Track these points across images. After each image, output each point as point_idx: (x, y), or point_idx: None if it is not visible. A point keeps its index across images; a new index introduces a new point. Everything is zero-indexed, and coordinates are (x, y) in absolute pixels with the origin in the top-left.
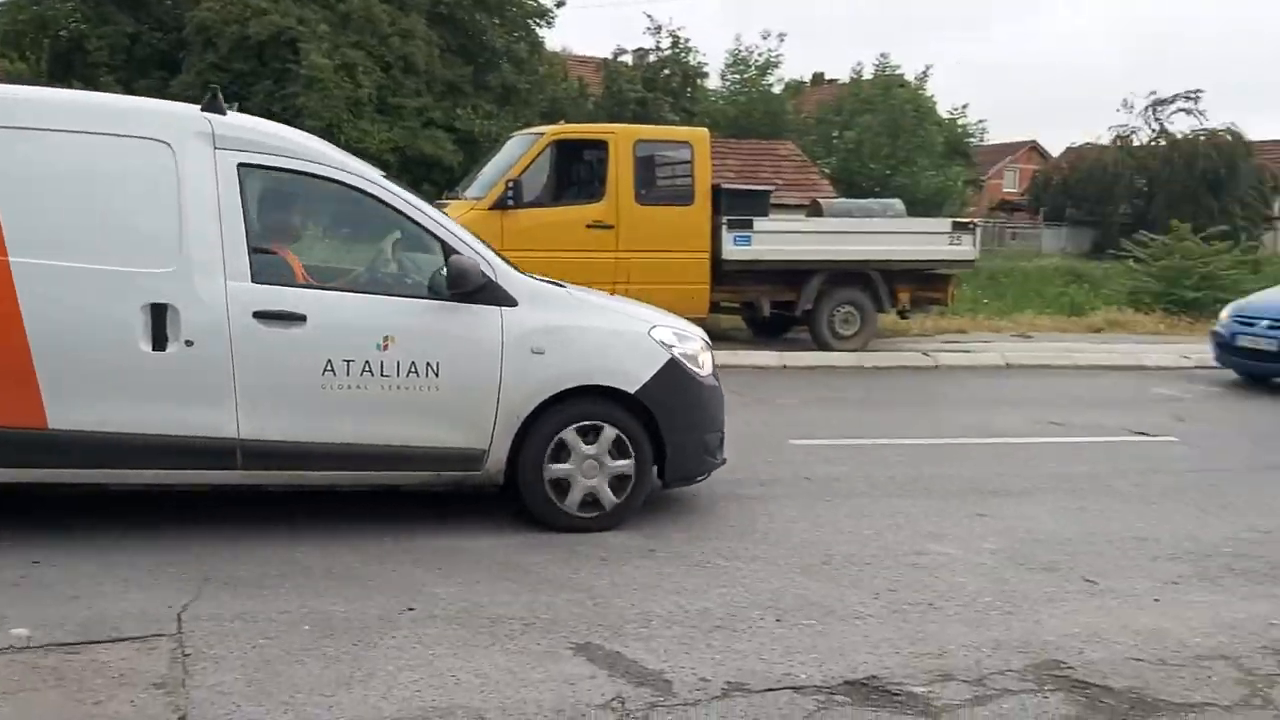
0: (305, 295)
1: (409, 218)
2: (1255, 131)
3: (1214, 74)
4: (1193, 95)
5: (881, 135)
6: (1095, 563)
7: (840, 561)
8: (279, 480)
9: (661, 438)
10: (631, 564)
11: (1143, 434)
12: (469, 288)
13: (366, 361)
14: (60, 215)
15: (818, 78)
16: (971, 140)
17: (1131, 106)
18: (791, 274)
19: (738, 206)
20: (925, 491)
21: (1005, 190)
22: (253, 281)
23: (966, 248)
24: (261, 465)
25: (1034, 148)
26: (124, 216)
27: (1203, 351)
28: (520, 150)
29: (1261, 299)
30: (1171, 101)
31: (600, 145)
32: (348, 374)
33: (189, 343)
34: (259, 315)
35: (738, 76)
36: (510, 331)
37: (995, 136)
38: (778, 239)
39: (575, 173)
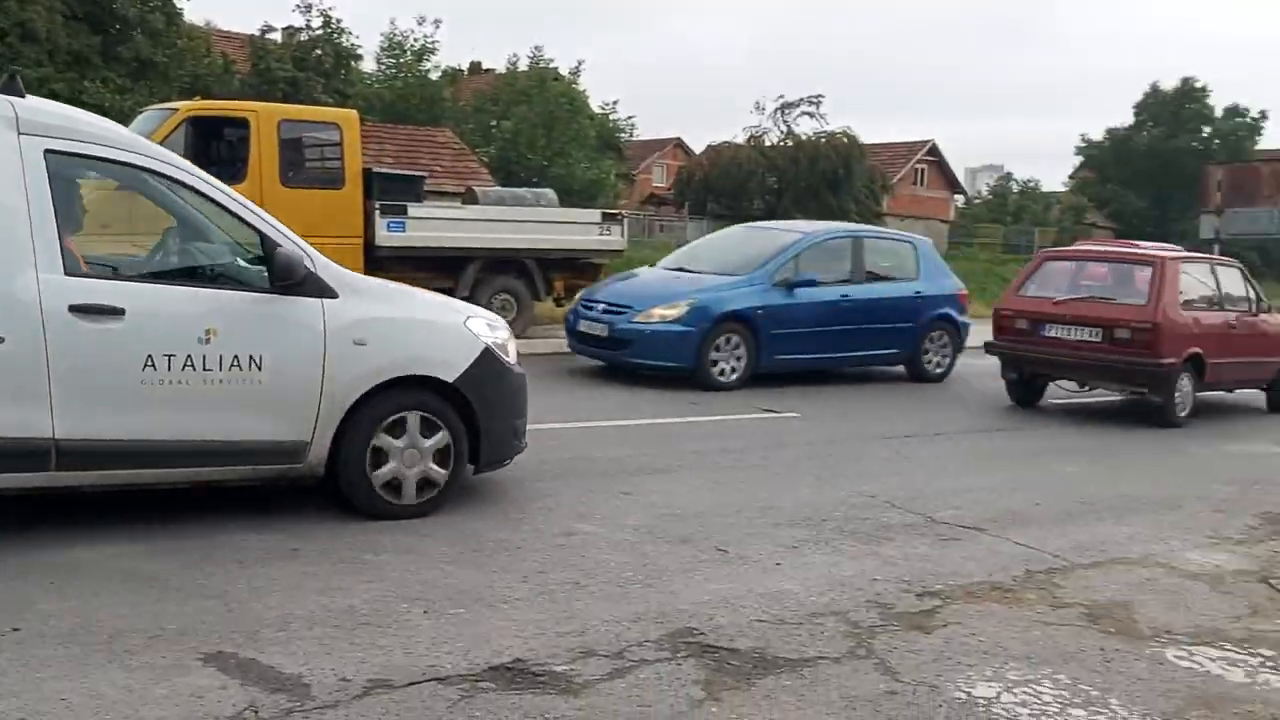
0: (123, 288)
1: (227, 209)
2: (866, 135)
3: (832, 82)
4: (815, 100)
5: (538, 127)
6: (727, 532)
7: (491, 548)
8: (94, 481)
9: (477, 425)
10: (273, 566)
11: (769, 411)
12: (293, 280)
13: (189, 356)
14: None
15: (475, 67)
16: (622, 135)
17: (763, 109)
18: (448, 261)
19: (391, 191)
20: (576, 473)
21: (654, 185)
22: (65, 274)
23: (615, 238)
24: (78, 466)
25: (679, 145)
26: None
27: None
28: (150, 127)
29: (606, 284)
30: (797, 105)
31: (241, 124)
32: (169, 369)
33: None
34: (75, 309)
35: (393, 61)
36: (332, 323)
37: (644, 133)
38: (433, 225)
39: (214, 152)
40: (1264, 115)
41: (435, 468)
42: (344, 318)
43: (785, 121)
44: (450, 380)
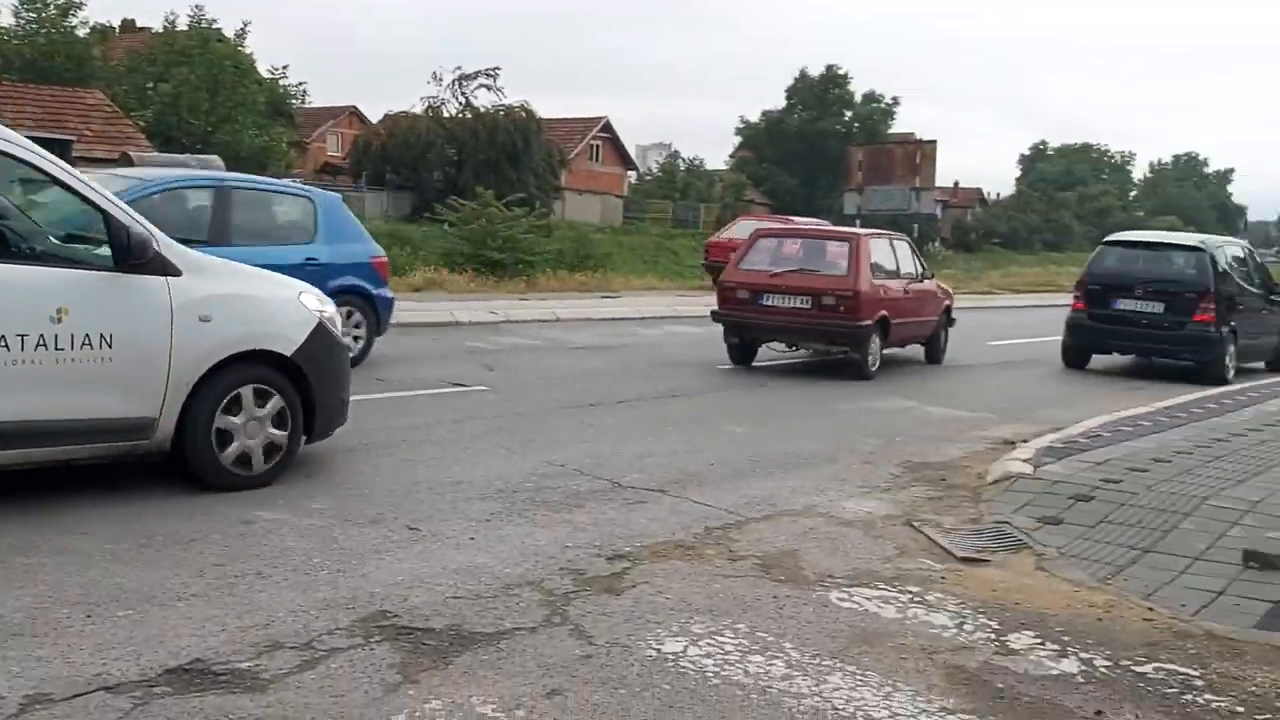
0: None
1: (72, 189)
2: (543, 111)
3: (510, 56)
4: (492, 73)
5: (201, 90)
6: (417, 510)
7: (162, 542)
8: None
9: (312, 397)
10: None
11: (459, 385)
12: (143, 259)
13: (41, 335)
14: None
15: (128, 24)
16: (294, 102)
17: (440, 79)
18: None
19: None
20: None
21: (329, 154)
22: None
23: None
24: None
25: (355, 113)
26: None
27: (510, 306)
28: None
29: None
30: (475, 77)
31: None
32: (22, 349)
33: None
34: None
35: (35, 15)
36: (178, 300)
37: (317, 100)
38: None
39: None
40: (896, 101)
41: (276, 432)
42: (188, 295)
43: (463, 93)
44: (289, 354)
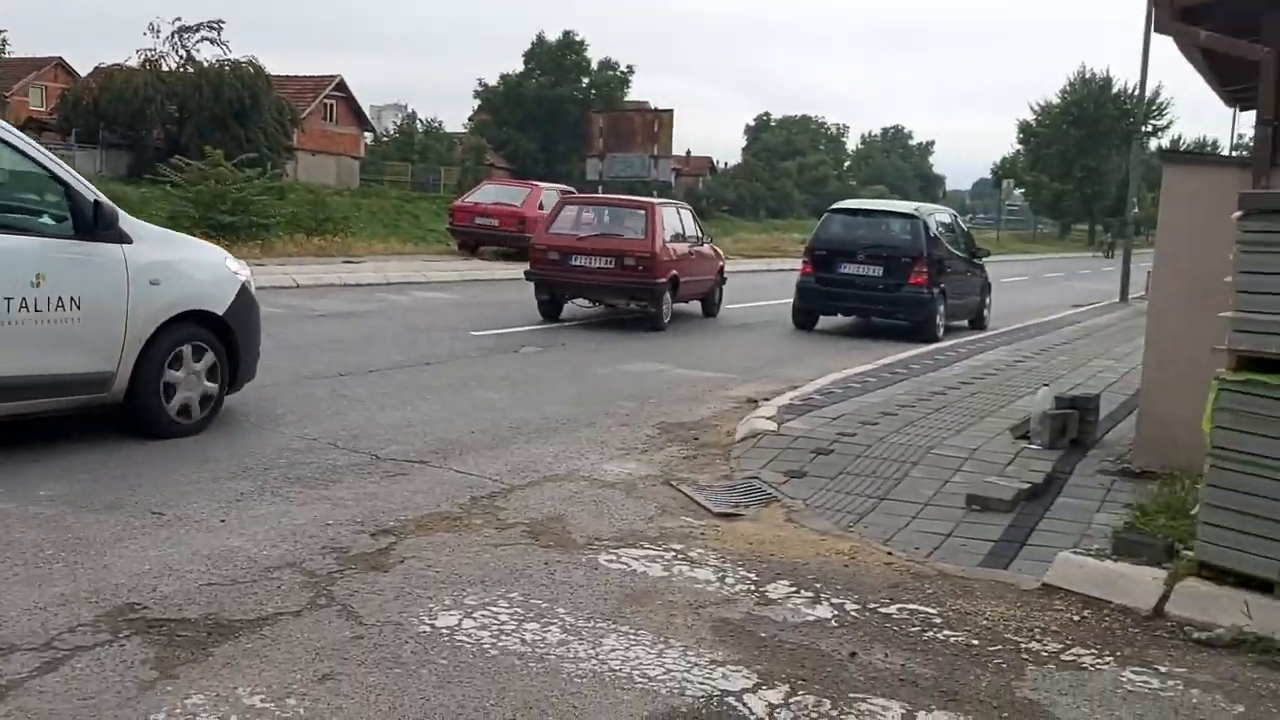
0: None
1: (38, 163)
2: (274, 67)
3: (235, 10)
4: (215, 25)
5: None
6: (160, 493)
7: None
8: None
9: (237, 352)
10: None
11: None
12: (111, 228)
13: (23, 298)
14: None
15: None
16: None
17: (158, 31)
18: None
19: None
20: None
21: (33, 108)
22: None
23: None
24: None
25: (61, 65)
26: None
27: None
28: None
29: None
30: (196, 30)
31: None
32: (7, 311)
33: None
34: None
35: None
36: (132, 266)
37: (18, 50)
38: None
39: None
40: (631, 69)
41: (209, 384)
42: (140, 261)
43: (184, 47)
44: (220, 313)
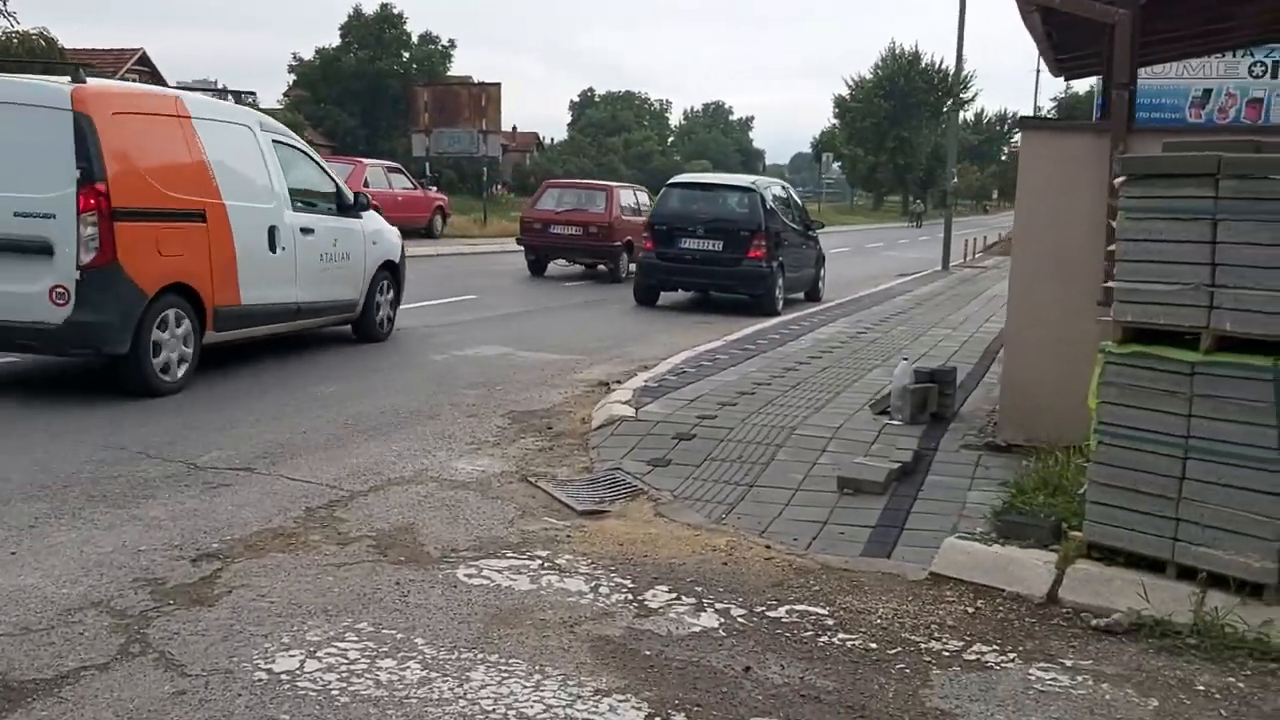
0: (307, 217)
1: (321, 167)
2: (70, 40)
3: None
4: None
5: None
6: None
7: None
8: (295, 329)
9: (401, 285)
10: None
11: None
12: (357, 208)
13: (330, 254)
14: (241, 173)
15: None
16: None
17: None
18: None
19: None
20: None
21: None
22: (293, 211)
23: None
24: (302, 317)
25: None
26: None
27: None
28: None
29: None
30: None
31: None
32: (326, 261)
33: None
34: (301, 230)
35: None
36: (365, 231)
37: None
38: None
39: None
40: (453, 44)
41: (391, 310)
42: (368, 228)
43: None
44: (395, 260)
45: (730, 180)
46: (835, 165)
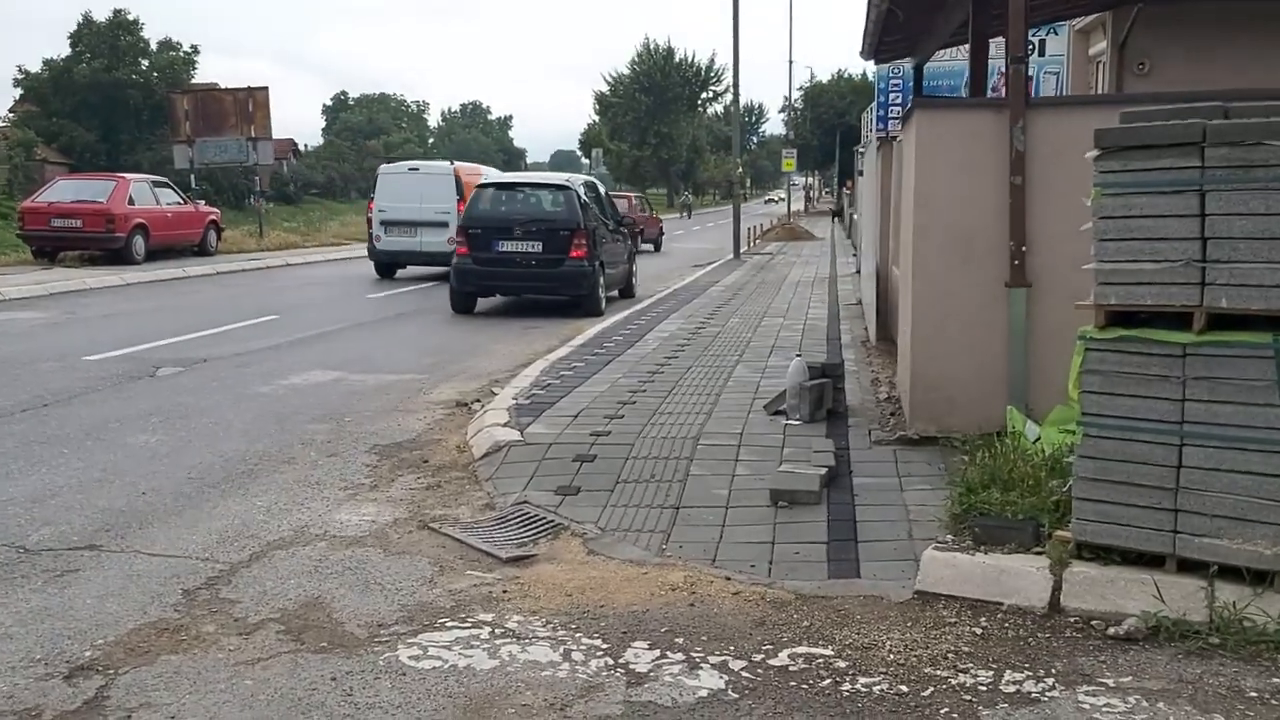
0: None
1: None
2: None
3: None
4: None
5: None
6: None
7: None
8: None
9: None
10: None
11: None
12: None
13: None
14: None
15: None
16: None
17: None
18: None
19: None
20: None
21: None
22: None
23: None
24: None
25: None
26: None
27: None
28: None
29: None
30: None
31: None
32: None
33: None
34: None
35: None
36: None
37: None
38: None
39: None
40: (196, 49)
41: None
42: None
43: None
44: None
45: (544, 179)
46: (597, 159)
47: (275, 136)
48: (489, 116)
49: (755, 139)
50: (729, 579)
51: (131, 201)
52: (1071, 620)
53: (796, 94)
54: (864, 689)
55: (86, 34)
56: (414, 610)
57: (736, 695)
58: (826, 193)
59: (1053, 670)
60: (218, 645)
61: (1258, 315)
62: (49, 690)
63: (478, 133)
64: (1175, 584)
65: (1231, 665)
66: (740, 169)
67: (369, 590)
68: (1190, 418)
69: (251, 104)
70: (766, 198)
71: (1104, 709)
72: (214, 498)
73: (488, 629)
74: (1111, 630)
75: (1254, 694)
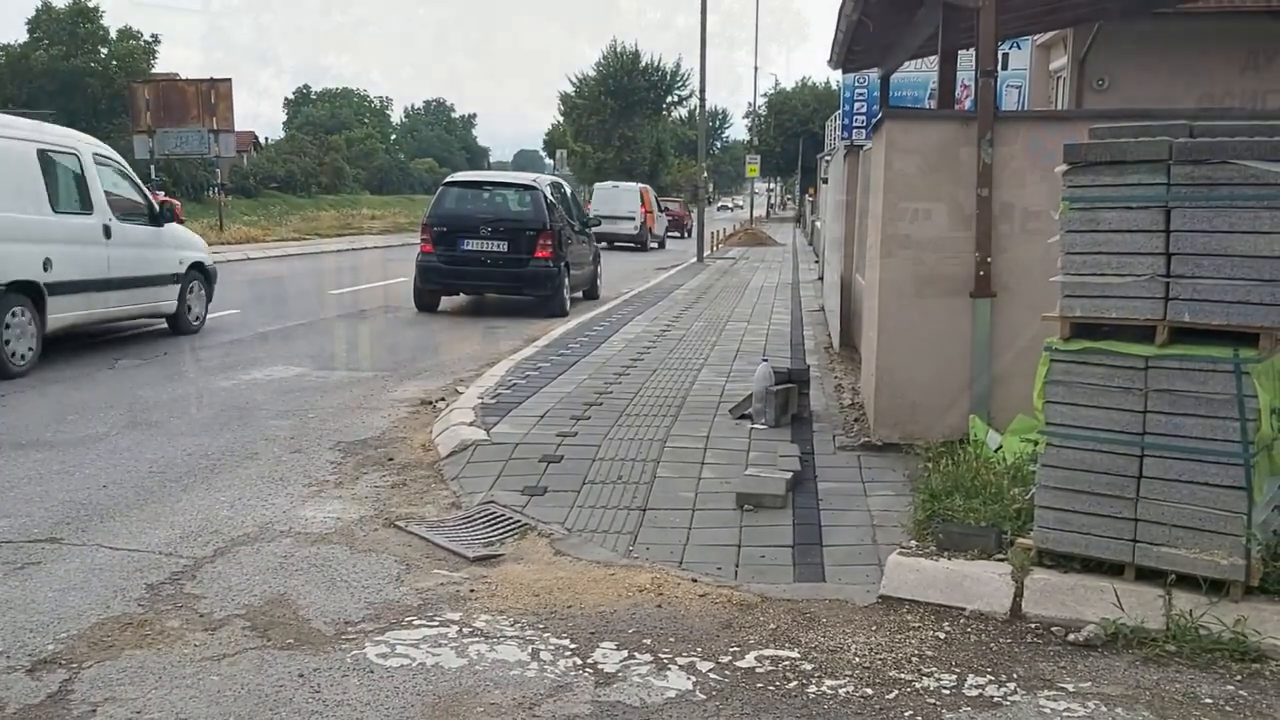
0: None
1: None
2: None
3: None
4: None
5: None
6: None
7: None
8: None
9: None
10: None
11: None
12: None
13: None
14: None
15: None
16: None
17: None
18: None
19: None
20: None
21: None
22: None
23: None
24: None
25: None
26: None
27: None
28: None
29: None
30: None
31: None
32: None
33: None
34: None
35: None
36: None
37: None
38: None
39: None
40: (156, 39)
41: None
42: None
43: None
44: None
45: (510, 179)
46: (561, 160)
47: (238, 129)
48: (453, 115)
49: (719, 144)
50: (696, 581)
51: None
52: (1032, 626)
53: (761, 100)
54: (830, 691)
55: (45, 20)
56: (381, 608)
57: (704, 696)
58: (788, 199)
59: (1014, 675)
60: (183, 640)
61: (1219, 330)
62: (11, 683)
63: (441, 130)
64: (1134, 592)
65: (1188, 672)
66: (705, 173)
67: (335, 587)
68: (1151, 429)
69: (214, 95)
70: (720, 204)
71: (1064, 713)
72: (176, 492)
73: (455, 628)
74: (1071, 636)
75: (1209, 700)
